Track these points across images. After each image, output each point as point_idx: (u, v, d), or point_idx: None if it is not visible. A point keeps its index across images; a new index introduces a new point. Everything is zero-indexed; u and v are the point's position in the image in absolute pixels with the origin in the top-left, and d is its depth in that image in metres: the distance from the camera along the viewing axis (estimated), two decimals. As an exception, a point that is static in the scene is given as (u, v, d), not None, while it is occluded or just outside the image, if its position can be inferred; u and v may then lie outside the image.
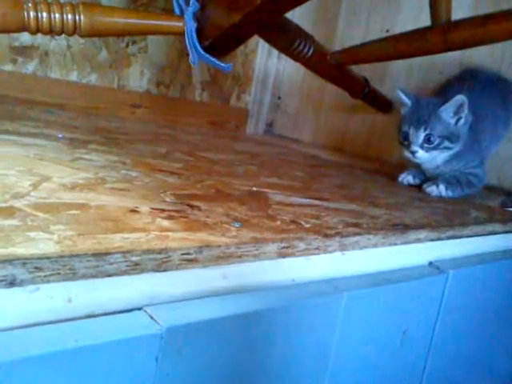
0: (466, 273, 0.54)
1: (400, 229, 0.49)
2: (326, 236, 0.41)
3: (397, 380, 0.48)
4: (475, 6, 1.06)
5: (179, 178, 0.55)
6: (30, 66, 1.03)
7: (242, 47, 1.38)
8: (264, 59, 1.45)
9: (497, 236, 0.63)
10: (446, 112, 0.77)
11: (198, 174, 0.60)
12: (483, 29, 0.73)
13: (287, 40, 0.86)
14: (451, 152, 0.80)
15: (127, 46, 1.17)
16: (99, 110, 1.14)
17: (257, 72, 1.45)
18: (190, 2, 0.72)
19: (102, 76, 1.15)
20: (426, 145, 0.78)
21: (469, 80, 0.89)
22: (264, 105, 1.47)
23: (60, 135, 0.71)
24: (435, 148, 0.78)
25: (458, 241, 0.57)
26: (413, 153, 0.79)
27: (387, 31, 1.18)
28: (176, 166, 0.63)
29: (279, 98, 1.50)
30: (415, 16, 1.15)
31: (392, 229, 0.48)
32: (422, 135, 0.77)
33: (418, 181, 0.86)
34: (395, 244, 0.48)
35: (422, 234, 0.51)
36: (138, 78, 1.21)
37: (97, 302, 0.28)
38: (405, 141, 0.80)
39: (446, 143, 0.78)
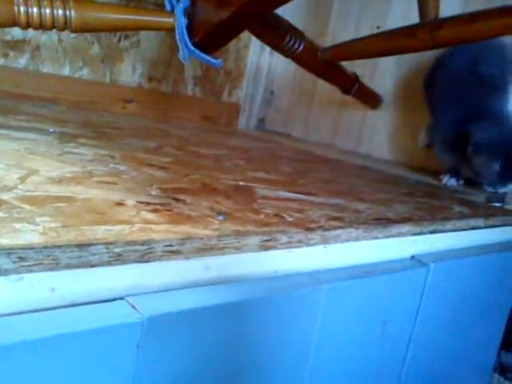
0: (447, 266, 0.55)
1: (382, 223, 0.50)
2: (307, 229, 0.42)
3: (377, 370, 0.49)
4: (465, 3, 1.07)
5: (167, 172, 0.56)
6: (22, 61, 1.04)
7: (234, 42, 1.39)
8: (256, 55, 1.45)
9: (479, 231, 0.64)
10: None
11: (186, 169, 0.61)
12: (470, 26, 0.74)
13: (277, 36, 0.87)
14: None
15: (119, 40, 1.17)
16: (91, 104, 1.15)
17: (249, 67, 1.46)
18: (180, -2, 0.72)
19: (94, 70, 1.16)
20: None
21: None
22: (256, 100, 1.48)
23: (51, 129, 0.71)
24: None
25: (440, 235, 0.58)
26: None
27: (378, 28, 1.19)
28: (165, 161, 0.63)
29: (271, 93, 1.50)
30: (406, 13, 1.16)
31: (374, 223, 0.49)
32: None
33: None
34: (377, 238, 0.49)
35: (405, 228, 0.52)
36: (130, 73, 1.21)
37: (80, 291, 0.29)
38: None
39: None
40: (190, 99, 1.34)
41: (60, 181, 0.43)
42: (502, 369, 0.89)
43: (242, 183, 0.57)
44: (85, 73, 1.14)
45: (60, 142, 0.62)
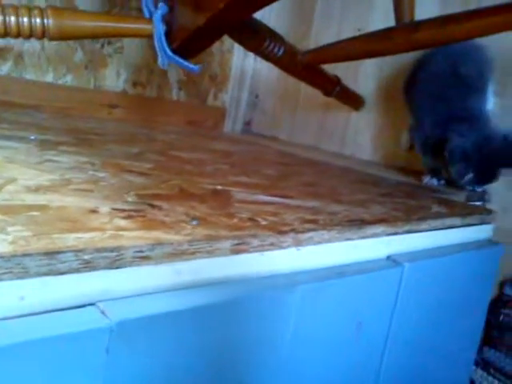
0: (422, 265, 0.56)
1: (357, 224, 0.51)
2: (280, 233, 0.43)
3: (353, 370, 0.50)
4: (443, 5, 1.08)
5: (146, 178, 0.56)
6: (5, 68, 1.04)
7: (218, 46, 1.40)
8: (241, 58, 1.46)
9: (455, 230, 0.66)
10: None
11: (167, 174, 0.61)
12: (444, 29, 0.75)
13: (257, 41, 0.88)
14: None
15: (102, 46, 1.18)
16: (75, 110, 1.15)
17: (234, 71, 1.47)
18: (159, 5, 0.73)
19: (78, 77, 1.16)
20: None
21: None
22: (241, 103, 1.49)
23: (32, 137, 0.72)
24: None
25: (416, 235, 0.59)
26: None
27: (359, 30, 1.20)
28: (146, 167, 0.64)
29: (256, 96, 1.51)
30: (387, 14, 1.17)
31: (348, 224, 0.50)
32: None
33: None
34: (351, 239, 0.50)
35: (380, 228, 0.53)
36: (114, 79, 1.22)
37: (50, 299, 0.30)
38: None
39: None
40: (174, 104, 1.35)
41: (36, 189, 0.43)
42: (484, 364, 0.90)
43: (219, 187, 0.58)
44: (68, 79, 1.14)
45: (40, 149, 0.63)
